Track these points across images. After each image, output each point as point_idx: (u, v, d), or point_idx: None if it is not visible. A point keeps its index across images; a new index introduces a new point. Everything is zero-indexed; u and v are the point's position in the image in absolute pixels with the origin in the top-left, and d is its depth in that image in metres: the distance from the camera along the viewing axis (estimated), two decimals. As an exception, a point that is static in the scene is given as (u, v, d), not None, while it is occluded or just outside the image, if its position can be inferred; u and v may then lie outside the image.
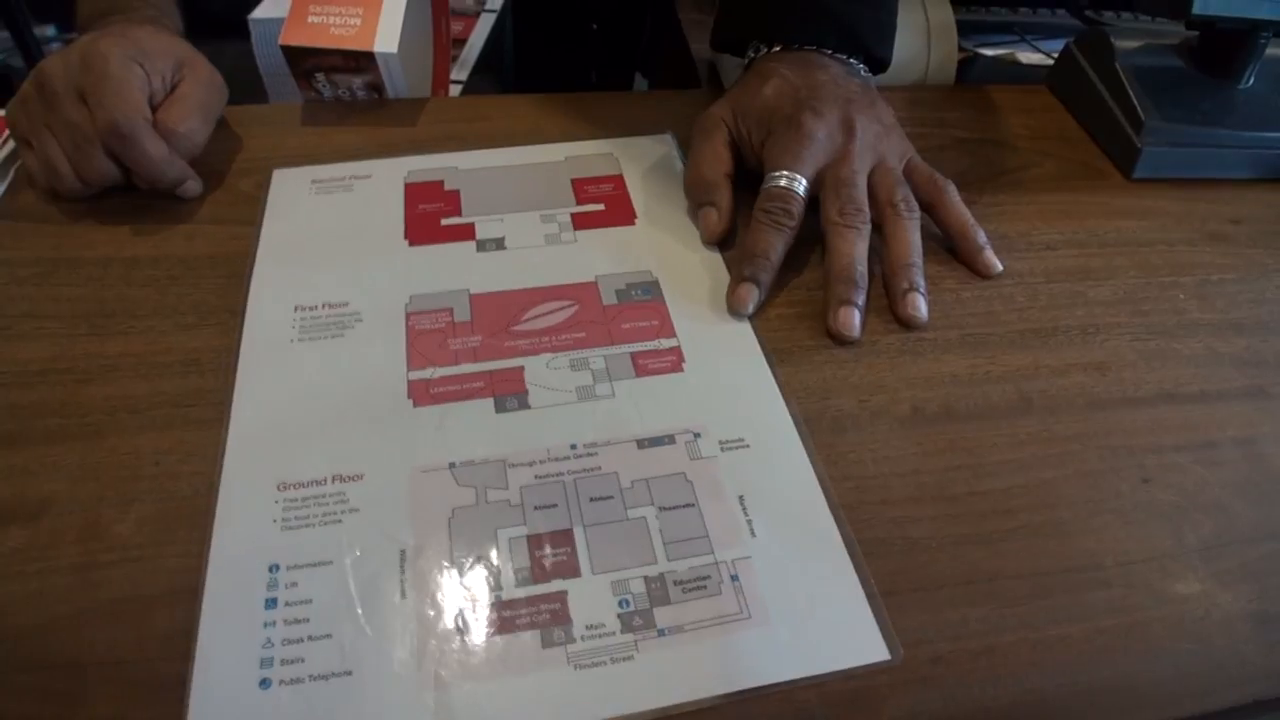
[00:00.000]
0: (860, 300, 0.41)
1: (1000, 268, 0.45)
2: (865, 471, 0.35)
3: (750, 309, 0.41)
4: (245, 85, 0.54)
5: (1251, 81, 0.54)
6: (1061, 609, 0.32)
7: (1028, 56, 0.69)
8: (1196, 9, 0.48)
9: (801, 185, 0.43)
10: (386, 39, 0.49)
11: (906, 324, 0.41)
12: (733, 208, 0.45)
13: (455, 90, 0.68)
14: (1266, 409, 0.39)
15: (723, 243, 0.45)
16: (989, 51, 0.69)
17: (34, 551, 0.31)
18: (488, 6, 0.71)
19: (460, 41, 0.71)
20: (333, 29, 0.50)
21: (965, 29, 0.62)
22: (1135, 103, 0.52)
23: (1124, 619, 0.31)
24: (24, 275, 0.42)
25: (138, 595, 0.30)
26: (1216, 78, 0.54)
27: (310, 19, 0.50)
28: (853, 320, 0.40)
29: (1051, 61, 0.64)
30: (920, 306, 0.41)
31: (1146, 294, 0.45)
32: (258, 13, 0.55)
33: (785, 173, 0.43)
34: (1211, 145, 0.52)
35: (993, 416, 0.38)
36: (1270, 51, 0.53)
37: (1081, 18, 0.71)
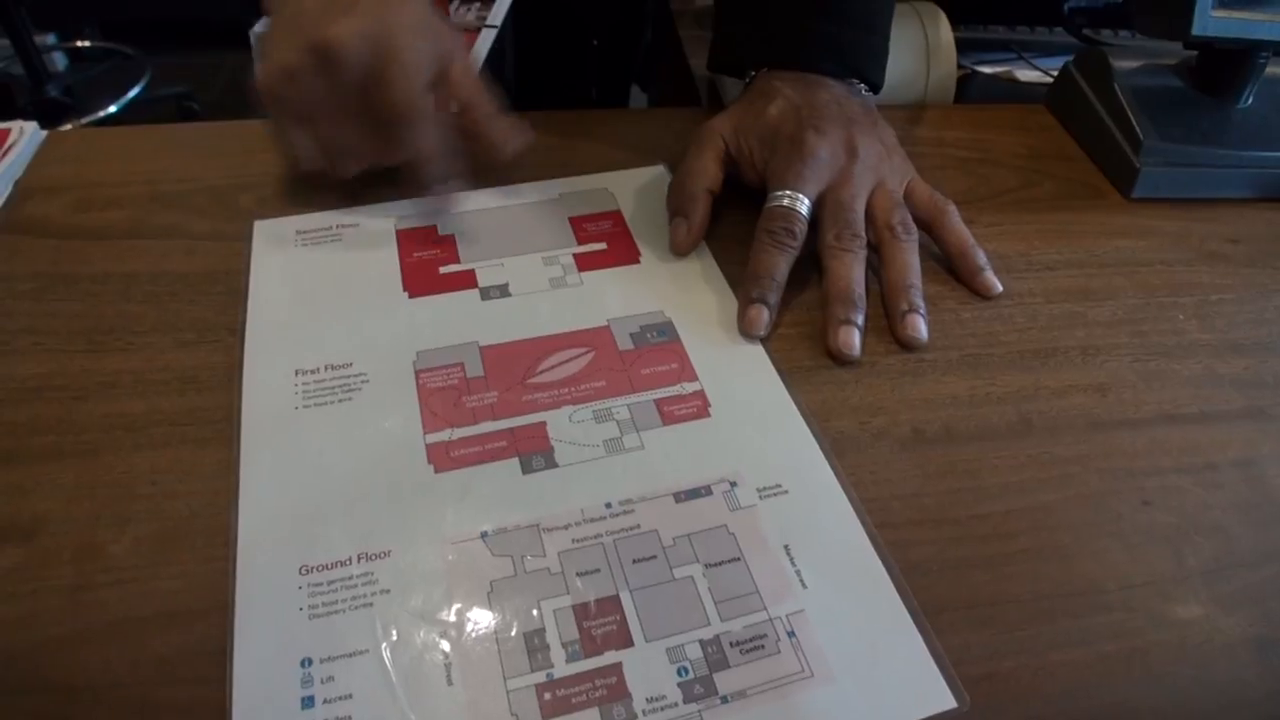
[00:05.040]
0: (859, 320, 0.41)
1: (1000, 288, 0.45)
2: (865, 494, 0.35)
3: (762, 330, 0.41)
4: (245, 98, 0.54)
5: (1250, 101, 0.54)
6: (1063, 633, 0.31)
7: (1025, 74, 0.70)
8: (1195, 30, 0.48)
9: (804, 205, 0.43)
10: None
11: (906, 345, 0.41)
12: (705, 224, 0.45)
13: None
14: (1267, 430, 0.39)
15: (732, 270, 0.44)
16: (986, 69, 0.69)
17: (28, 572, 0.31)
18: (489, 22, 0.71)
19: (461, 56, 0.71)
20: None
21: (963, 47, 0.62)
22: (1134, 122, 0.52)
23: (1125, 643, 0.31)
24: (21, 290, 0.42)
25: (133, 617, 0.30)
26: (1215, 97, 0.54)
27: None
28: (853, 339, 0.40)
29: (1049, 79, 0.64)
30: (920, 327, 0.41)
31: (1146, 314, 0.45)
32: (261, 26, 0.55)
33: (788, 192, 0.43)
34: (1210, 165, 0.52)
35: (993, 438, 0.38)
36: (1269, 71, 0.53)
37: (1079, 36, 0.71)
